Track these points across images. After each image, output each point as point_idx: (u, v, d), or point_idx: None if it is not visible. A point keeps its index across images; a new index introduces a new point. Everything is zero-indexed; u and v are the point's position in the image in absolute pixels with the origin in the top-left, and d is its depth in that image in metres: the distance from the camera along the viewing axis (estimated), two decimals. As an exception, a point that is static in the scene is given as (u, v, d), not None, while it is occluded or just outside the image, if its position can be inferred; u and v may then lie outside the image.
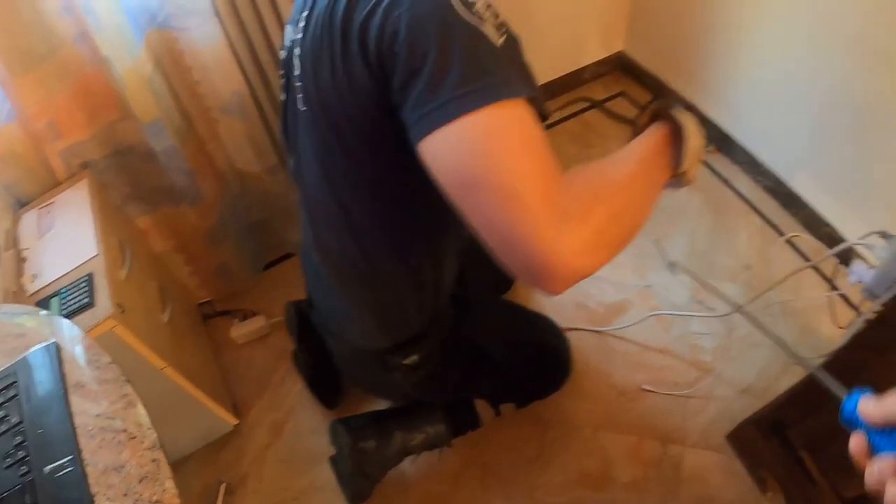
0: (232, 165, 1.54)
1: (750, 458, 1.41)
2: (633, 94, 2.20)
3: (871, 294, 0.97)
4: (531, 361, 1.36)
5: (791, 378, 1.40)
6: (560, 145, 2.05)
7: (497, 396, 1.38)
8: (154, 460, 0.63)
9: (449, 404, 1.38)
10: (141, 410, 0.68)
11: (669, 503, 1.37)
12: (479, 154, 0.61)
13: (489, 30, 0.64)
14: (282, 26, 1.35)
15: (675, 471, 1.42)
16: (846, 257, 1.48)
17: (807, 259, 1.70)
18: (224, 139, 1.47)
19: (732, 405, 1.48)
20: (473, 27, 0.63)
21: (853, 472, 1.12)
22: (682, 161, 0.77)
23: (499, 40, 0.64)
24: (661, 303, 1.68)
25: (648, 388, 1.53)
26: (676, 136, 0.78)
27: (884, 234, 1.00)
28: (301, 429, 1.54)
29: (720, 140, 1.96)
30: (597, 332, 1.63)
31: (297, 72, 0.82)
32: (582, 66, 2.19)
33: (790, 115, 1.69)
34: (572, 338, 1.49)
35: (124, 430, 0.66)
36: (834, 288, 1.59)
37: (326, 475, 1.43)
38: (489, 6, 0.66)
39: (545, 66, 2.09)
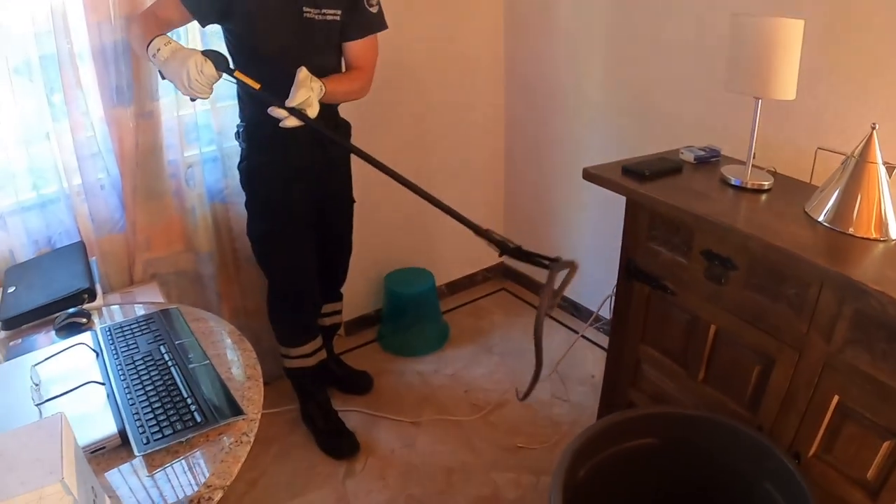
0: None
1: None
2: (512, 290, 3.16)
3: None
4: None
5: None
6: (459, 320, 2.91)
7: None
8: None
9: None
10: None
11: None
12: None
13: None
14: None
15: (546, 490, 2.00)
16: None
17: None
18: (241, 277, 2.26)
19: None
20: None
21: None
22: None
23: None
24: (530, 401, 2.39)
25: (522, 445, 2.19)
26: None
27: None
28: None
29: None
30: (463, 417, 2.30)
31: None
32: (475, 271, 3.16)
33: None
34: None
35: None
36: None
37: None
38: None
39: (451, 268, 3.03)
